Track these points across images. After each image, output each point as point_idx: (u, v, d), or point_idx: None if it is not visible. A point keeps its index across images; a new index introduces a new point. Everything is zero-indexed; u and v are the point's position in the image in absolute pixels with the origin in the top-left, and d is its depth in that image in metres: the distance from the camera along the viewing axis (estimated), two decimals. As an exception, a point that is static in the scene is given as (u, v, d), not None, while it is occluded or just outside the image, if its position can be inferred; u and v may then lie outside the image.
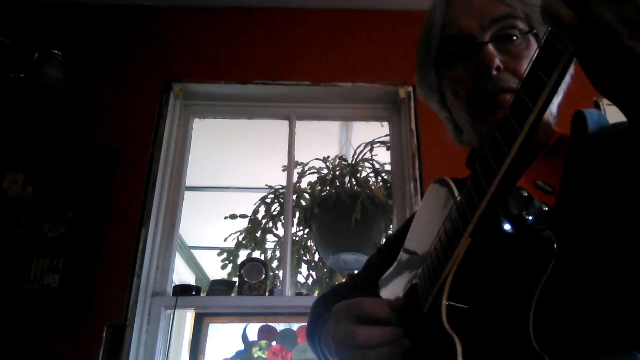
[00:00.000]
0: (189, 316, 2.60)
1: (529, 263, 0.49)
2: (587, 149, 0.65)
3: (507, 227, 0.47)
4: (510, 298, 0.49)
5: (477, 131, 0.72)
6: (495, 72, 0.67)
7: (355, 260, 2.23)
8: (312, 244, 2.51)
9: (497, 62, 0.67)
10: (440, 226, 0.57)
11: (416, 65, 0.83)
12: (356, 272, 1.05)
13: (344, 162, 2.50)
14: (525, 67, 0.67)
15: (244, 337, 1.88)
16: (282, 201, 2.45)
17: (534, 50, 0.69)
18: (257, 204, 2.48)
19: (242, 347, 1.87)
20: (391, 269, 0.76)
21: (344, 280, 0.98)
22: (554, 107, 0.79)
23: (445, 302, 0.49)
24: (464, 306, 0.49)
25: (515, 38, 0.69)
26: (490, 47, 0.68)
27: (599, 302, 0.54)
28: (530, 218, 0.47)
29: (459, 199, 0.55)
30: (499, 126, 0.46)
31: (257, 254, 2.43)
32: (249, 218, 2.50)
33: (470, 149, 0.81)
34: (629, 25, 0.36)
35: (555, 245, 0.48)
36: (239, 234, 2.49)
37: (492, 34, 0.69)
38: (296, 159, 2.27)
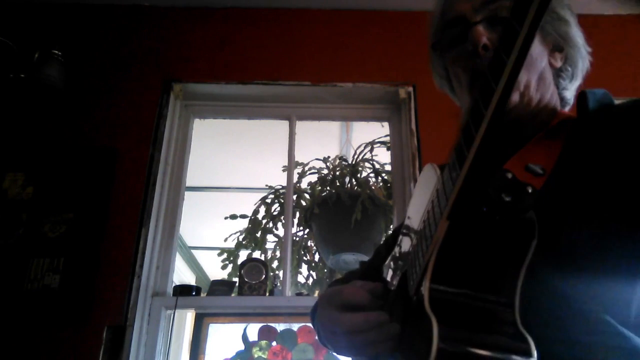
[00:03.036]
0: (189, 316, 2.60)
1: (511, 244, 0.49)
2: (586, 130, 0.66)
3: (485, 209, 0.47)
4: (494, 279, 0.49)
5: None
6: (482, 51, 0.69)
7: (355, 260, 2.23)
8: (312, 244, 2.51)
9: (484, 40, 0.69)
10: (425, 209, 0.58)
11: (428, 54, 0.86)
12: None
13: (344, 162, 2.50)
14: None
15: (244, 337, 1.88)
16: (282, 201, 2.45)
17: None
18: (257, 204, 2.48)
19: (242, 347, 1.87)
20: (391, 254, 0.76)
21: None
22: (566, 92, 0.80)
23: (427, 285, 0.49)
24: (447, 289, 0.49)
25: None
26: (480, 27, 0.70)
27: (583, 282, 0.54)
28: (508, 199, 0.47)
29: (439, 182, 0.56)
30: (468, 107, 0.47)
31: (257, 254, 2.43)
32: (249, 218, 2.50)
33: None
34: None
35: (536, 226, 0.48)
36: (239, 234, 2.49)
37: (483, 15, 0.71)
38: (296, 159, 2.27)
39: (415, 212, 0.67)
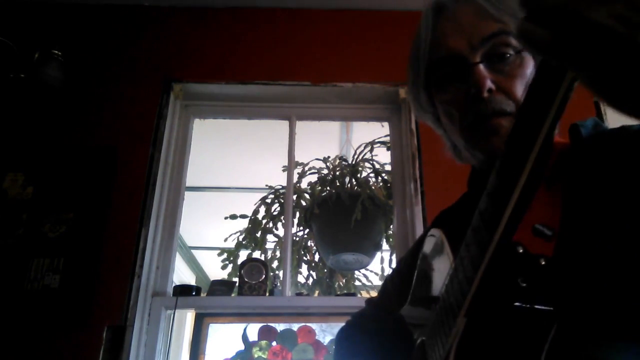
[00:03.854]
0: (189, 316, 2.60)
1: (530, 330, 0.46)
2: (583, 169, 0.60)
3: (505, 301, 0.45)
4: None
5: (473, 155, 0.70)
6: (486, 94, 0.63)
7: (355, 260, 2.23)
8: (312, 244, 2.51)
9: (489, 83, 0.63)
10: (440, 290, 0.56)
11: (407, 84, 0.80)
12: (373, 296, 1.05)
13: (344, 162, 2.50)
14: (519, 86, 0.65)
15: (244, 337, 1.88)
16: (282, 201, 2.45)
17: (529, 68, 0.66)
18: (257, 204, 2.48)
19: (242, 347, 1.87)
20: (406, 306, 0.75)
21: (364, 305, 0.97)
22: None
23: None
24: None
25: (507, 56, 0.65)
26: (481, 67, 0.64)
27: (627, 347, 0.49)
28: (524, 285, 0.44)
29: (452, 268, 0.53)
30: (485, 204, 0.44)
31: (257, 254, 2.43)
32: (249, 218, 2.50)
33: (471, 165, 0.78)
34: (624, 20, 0.30)
35: (553, 312, 0.45)
36: (239, 234, 2.49)
37: (482, 53, 0.65)
38: (296, 159, 2.26)
39: (425, 282, 0.66)
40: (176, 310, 1.77)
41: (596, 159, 0.59)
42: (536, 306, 0.45)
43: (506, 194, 0.40)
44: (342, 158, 2.55)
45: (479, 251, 0.44)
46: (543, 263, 0.45)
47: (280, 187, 2.51)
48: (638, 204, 0.51)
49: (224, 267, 2.42)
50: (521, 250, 0.45)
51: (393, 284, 0.92)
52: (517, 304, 0.45)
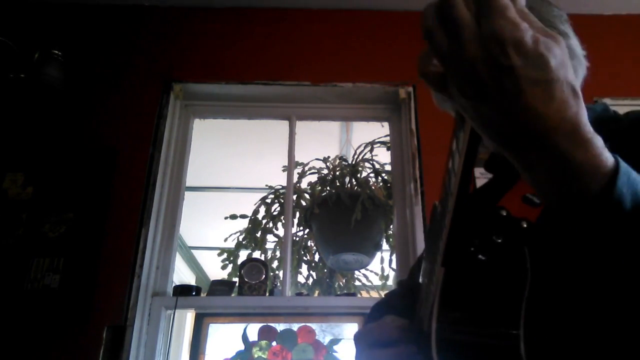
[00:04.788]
0: (189, 316, 2.60)
1: (509, 281, 0.48)
2: None
3: (477, 252, 0.47)
4: (498, 316, 0.49)
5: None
6: None
7: (355, 260, 2.23)
8: (312, 244, 2.51)
9: None
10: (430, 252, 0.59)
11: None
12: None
13: (344, 162, 2.50)
14: None
15: (244, 337, 1.88)
16: (282, 201, 2.45)
17: None
18: (257, 204, 2.48)
19: (242, 347, 1.87)
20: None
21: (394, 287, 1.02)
22: None
23: (434, 325, 0.50)
24: (454, 328, 0.50)
25: None
26: None
27: (587, 314, 0.53)
28: (500, 240, 0.47)
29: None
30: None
31: (257, 254, 2.43)
32: (249, 218, 2.49)
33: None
34: (471, 85, 0.37)
35: (528, 262, 0.47)
36: (239, 234, 2.49)
37: None
38: (296, 159, 2.26)
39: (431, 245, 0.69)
40: (176, 310, 1.77)
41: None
42: (516, 251, 0.47)
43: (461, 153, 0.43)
44: (342, 158, 2.55)
45: (449, 201, 0.47)
46: (524, 225, 0.47)
47: (280, 187, 2.51)
48: None
49: (224, 267, 2.42)
50: (504, 214, 0.47)
51: (417, 261, 0.96)
52: (481, 257, 0.47)
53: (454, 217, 0.45)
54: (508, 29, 0.35)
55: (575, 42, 0.76)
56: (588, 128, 0.39)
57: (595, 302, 0.53)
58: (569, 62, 0.37)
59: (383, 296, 1.02)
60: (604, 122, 0.66)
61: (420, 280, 0.71)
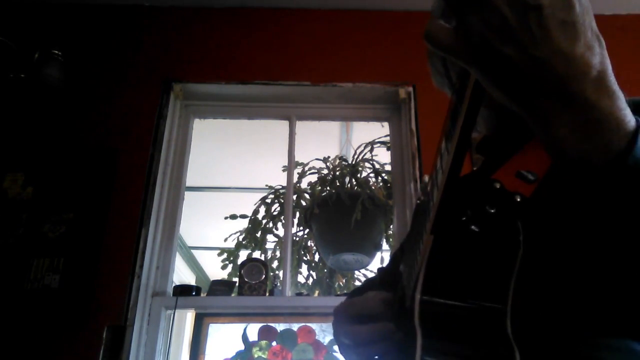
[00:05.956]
0: (189, 316, 2.60)
1: (498, 255, 0.48)
2: None
3: (469, 222, 0.47)
4: (485, 289, 0.49)
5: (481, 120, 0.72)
6: None
7: (355, 260, 2.23)
8: (312, 244, 2.51)
9: None
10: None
11: (427, 52, 0.83)
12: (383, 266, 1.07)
13: (344, 162, 2.50)
14: None
15: (244, 337, 1.88)
16: (282, 201, 2.45)
17: None
18: (257, 204, 2.48)
19: (242, 347, 1.87)
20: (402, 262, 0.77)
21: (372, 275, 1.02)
22: None
23: (417, 297, 0.49)
24: (437, 300, 0.49)
25: None
26: None
27: (577, 290, 0.53)
28: (493, 211, 0.46)
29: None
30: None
31: (257, 254, 2.43)
32: (249, 218, 2.50)
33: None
34: (495, 30, 0.35)
35: (521, 235, 0.47)
36: (239, 234, 2.49)
37: None
38: (296, 159, 2.27)
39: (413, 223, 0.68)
40: (176, 310, 1.77)
41: None
42: (509, 225, 0.46)
43: (458, 112, 0.41)
44: (342, 158, 2.55)
45: (441, 172, 0.46)
46: (518, 200, 0.46)
47: (280, 187, 2.51)
48: None
49: (224, 267, 2.42)
50: (498, 186, 0.47)
51: (401, 248, 0.95)
52: (473, 227, 0.46)
53: (448, 182, 0.44)
54: None
55: None
56: (613, 79, 0.38)
57: (589, 281, 0.52)
58: (592, 13, 0.37)
59: (362, 282, 1.01)
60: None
61: (401, 268, 0.70)
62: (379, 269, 1.03)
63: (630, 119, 0.39)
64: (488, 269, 0.48)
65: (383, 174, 2.37)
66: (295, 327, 1.90)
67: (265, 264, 1.94)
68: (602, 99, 0.37)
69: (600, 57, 0.37)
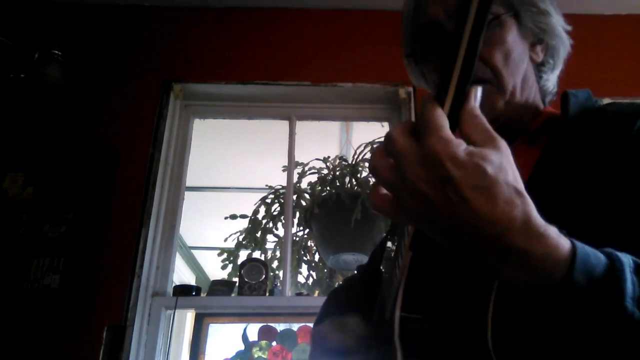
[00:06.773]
0: (189, 316, 2.60)
1: (479, 269, 0.46)
2: (565, 136, 0.62)
3: None
4: (465, 304, 0.48)
5: None
6: None
7: (355, 260, 2.23)
8: (312, 244, 2.51)
9: None
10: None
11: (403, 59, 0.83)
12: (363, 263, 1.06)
13: (344, 162, 2.49)
14: (496, 52, 0.67)
15: (244, 337, 1.88)
16: (282, 201, 2.45)
17: (508, 33, 0.68)
18: (257, 204, 2.48)
19: (242, 347, 1.87)
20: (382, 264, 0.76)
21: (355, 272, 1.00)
22: (548, 83, 0.76)
23: (397, 313, 0.50)
24: (418, 316, 0.50)
25: None
26: None
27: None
28: None
29: None
30: None
31: (257, 254, 2.43)
32: (249, 218, 2.49)
33: None
34: (422, 203, 0.39)
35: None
36: (239, 234, 2.49)
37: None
38: (296, 159, 2.27)
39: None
40: (176, 310, 1.77)
41: (579, 135, 0.61)
42: None
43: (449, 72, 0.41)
44: (342, 158, 2.55)
45: None
46: None
47: (280, 187, 2.51)
48: (607, 182, 0.54)
49: (224, 267, 2.41)
50: None
51: (381, 246, 0.94)
52: None
53: None
54: (442, 146, 0.38)
55: (557, 20, 0.75)
56: (540, 221, 0.40)
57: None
58: (509, 165, 0.39)
59: (342, 281, 1.01)
60: (588, 111, 0.65)
61: (382, 266, 0.70)
62: (358, 267, 1.02)
63: (564, 244, 0.41)
64: (468, 284, 0.48)
65: (383, 174, 2.36)
66: (295, 327, 1.90)
67: (265, 264, 1.94)
68: (533, 242, 0.39)
69: (522, 206, 0.39)
